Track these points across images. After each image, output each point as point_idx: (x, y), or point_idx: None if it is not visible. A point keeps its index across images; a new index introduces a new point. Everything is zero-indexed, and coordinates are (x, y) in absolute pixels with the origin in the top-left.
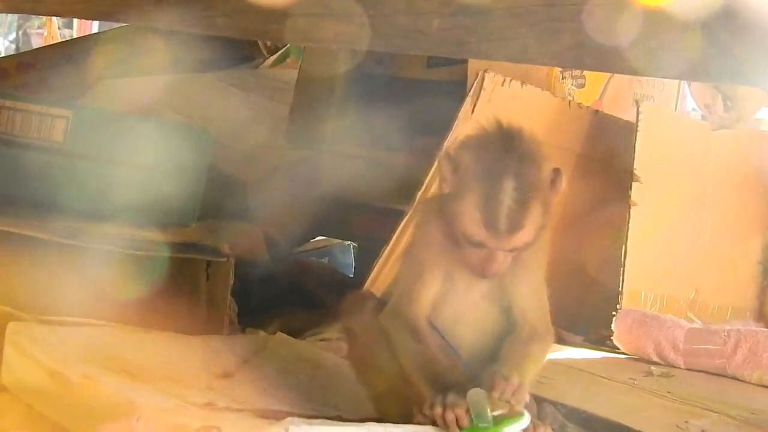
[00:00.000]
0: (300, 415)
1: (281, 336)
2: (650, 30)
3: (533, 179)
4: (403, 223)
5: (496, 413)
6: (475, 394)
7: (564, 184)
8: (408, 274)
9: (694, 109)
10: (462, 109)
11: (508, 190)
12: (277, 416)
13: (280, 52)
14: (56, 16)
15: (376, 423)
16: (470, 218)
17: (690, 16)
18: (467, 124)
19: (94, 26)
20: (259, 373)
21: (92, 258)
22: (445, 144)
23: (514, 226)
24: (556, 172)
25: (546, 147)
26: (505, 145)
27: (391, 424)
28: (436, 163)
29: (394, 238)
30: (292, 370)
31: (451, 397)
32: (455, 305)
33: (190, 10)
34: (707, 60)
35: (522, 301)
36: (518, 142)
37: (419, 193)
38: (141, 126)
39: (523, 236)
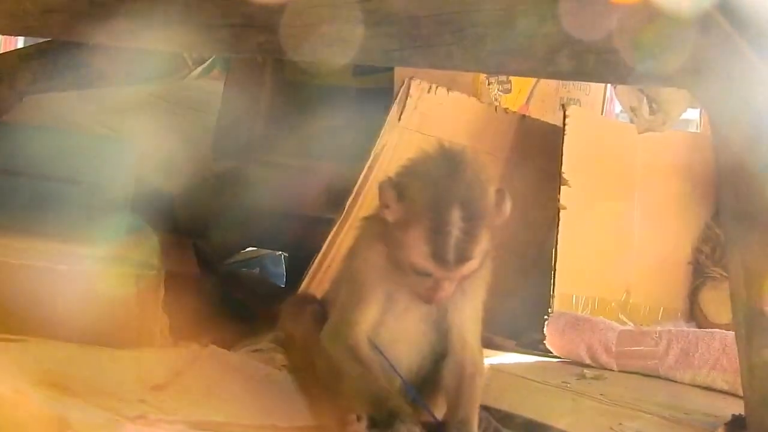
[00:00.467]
0: (235, 426)
1: (213, 348)
2: (576, 34)
3: (480, 206)
4: (333, 232)
5: None
6: None
7: (509, 206)
8: (349, 296)
9: (621, 112)
10: (389, 116)
11: (455, 221)
12: (211, 428)
13: (205, 64)
14: None
15: None
16: (418, 250)
17: (613, 20)
18: (394, 131)
19: (19, 41)
20: (192, 385)
21: (20, 273)
22: (372, 151)
23: (463, 258)
24: (501, 194)
25: (477, 153)
26: (450, 171)
27: None
28: (368, 180)
29: (325, 247)
30: (225, 382)
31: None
32: (394, 326)
33: (114, 24)
34: (632, 63)
35: (462, 328)
36: (463, 167)
37: (349, 203)
38: (67, 140)
39: (471, 266)
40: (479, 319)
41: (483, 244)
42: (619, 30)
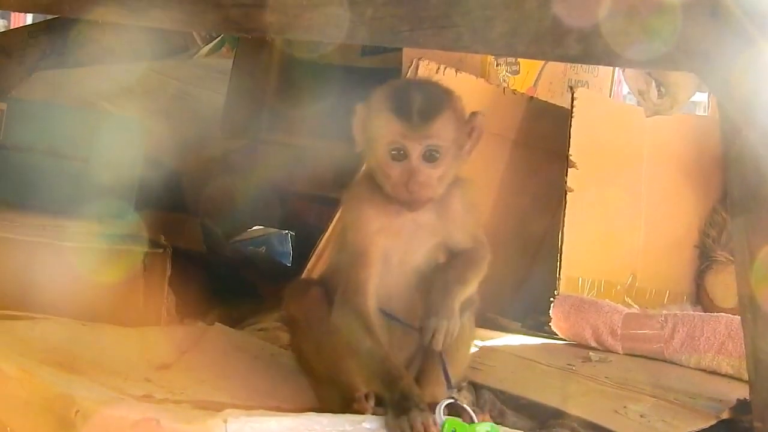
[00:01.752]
0: (238, 406)
1: (219, 326)
2: (584, 17)
3: (442, 94)
4: (339, 212)
5: None
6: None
7: (480, 122)
8: (349, 263)
9: (629, 94)
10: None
11: (417, 97)
12: (215, 408)
13: (214, 42)
14: None
15: (315, 413)
16: (385, 120)
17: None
18: None
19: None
20: (198, 363)
21: (27, 250)
22: None
23: (426, 115)
24: (474, 114)
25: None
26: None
27: (330, 414)
28: None
29: (332, 226)
30: (230, 361)
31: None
32: (390, 280)
33: (125, 3)
34: (640, 46)
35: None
36: (432, 83)
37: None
38: (77, 117)
39: (438, 128)
40: (480, 237)
41: (449, 123)
42: (628, 13)
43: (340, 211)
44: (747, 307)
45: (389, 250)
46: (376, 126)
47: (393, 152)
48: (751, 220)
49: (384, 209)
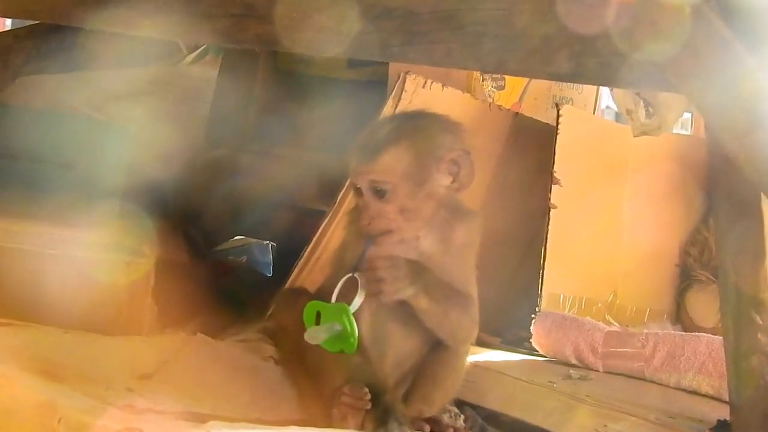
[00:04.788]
0: (220, 417)
1: (201, 336)
2: (575, 35)
3: (409, 128)
4: (324, 223)
5: None
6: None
7: (467, 161)
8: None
9: (608, 107)
10: (383, 111)
11: (382, 131)
12: (197, 419)
13: (199, 50)
14: None
15: (297, 426)
16: (351, 156)
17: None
18: None
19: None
20: (179, 374)
21: (10, 257)
22: None
23: (373, 151)
24: (464, 152)
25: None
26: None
27: (313, 428)
28: None
29: (316, 238)
30: (212, 371)
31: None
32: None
33: (113, 11)
34: (629, 66)
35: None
36: (421, 114)
37: (340, 195)
38: (60, 124)
39: (383, 164)
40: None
41: (407, 156)
42: (619, 34)
43: (328, 223)
44: (730, 328)
45: None
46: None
47: (355, 187)
48: (737, 240)
49: (374, 244)
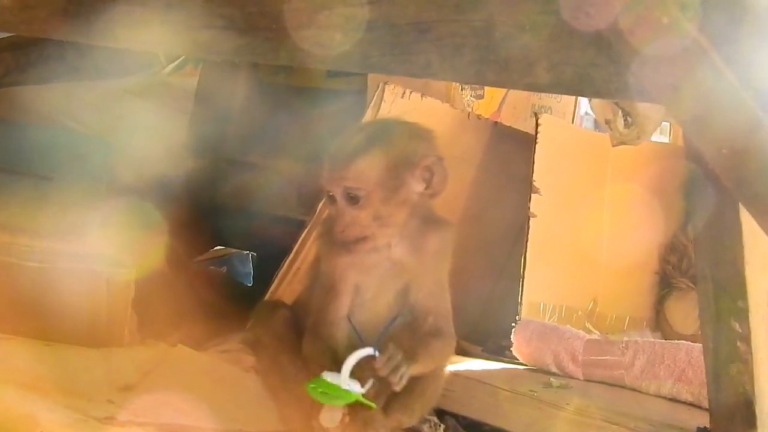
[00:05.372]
0: (202, 429)
1: (182, 348)
2: (553, 46)
3: (382, 135)
4: (304, 234)
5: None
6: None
7: (440, 168)
8: (321, 299)
9: (587, 113)
10: (362, 121)
11: (355, 139)
12: (180, 430)
13: (179, 60)
14: None
15: None
16: (324, 164)
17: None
18: None
19: None
20: (160, 385)
21: None
22: None
23: (346, 158)
24: (437, 159)
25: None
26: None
27: None
28: None
29: (296, 248)
30: (193, 383)
31: None
32: (363, 316)
33: (93, 23)
34: (608, 76)
35: (425, 306)
36: (392, 122)
37: (320, 205)
38: (39, 135)
39: (357, 171)
40: (444, 300)
41: (380, 163)
42: (597, 44)
43: (307, 233)
44: (709, 336)
45: (361, 286)
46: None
47: (328, 195)
48: (715, 250)
49: (347, 251)
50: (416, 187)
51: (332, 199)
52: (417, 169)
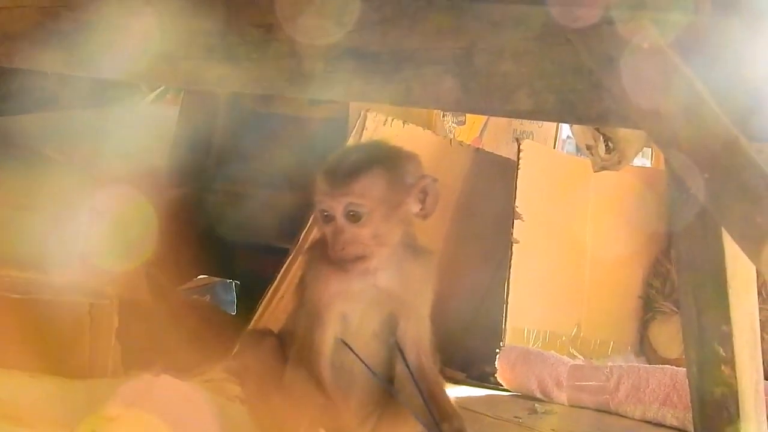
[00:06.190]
0: None
1: (166, 377)
2: (535, 72)
3: (379, 154)
4: (288, 262)
5: None
6: None
7: (434, 188)
8: (307, 326)
9: (568, 137)
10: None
11: (350, 157)
12: None
13: (160, 89)
14: None
15: None
16: (317, 183)
17: (570, 58)
18: None
19: None
20: (145, 416)
21: None
22: None
23: (348, 174)
24: (432, 180)
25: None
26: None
27: None
28: None
29: (279, 276)
30: (177, 413)
31: None
32: (344, 356)
33: (75, 54)
34: (589, 102)
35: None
36: (382, 143)
37: (303, 233)
38: (20, 165)
39: (360, 187)
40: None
41: (379, 182)
42: (577, 70)
43: (291, 261)
44: (693, 360)
45: (347, 314)
46: (314, 188)
47: (323, 214)
48: (697, 275)
49: (343, 271)
50: (413, 207)
51: (328, 218)
52: (415, 188)
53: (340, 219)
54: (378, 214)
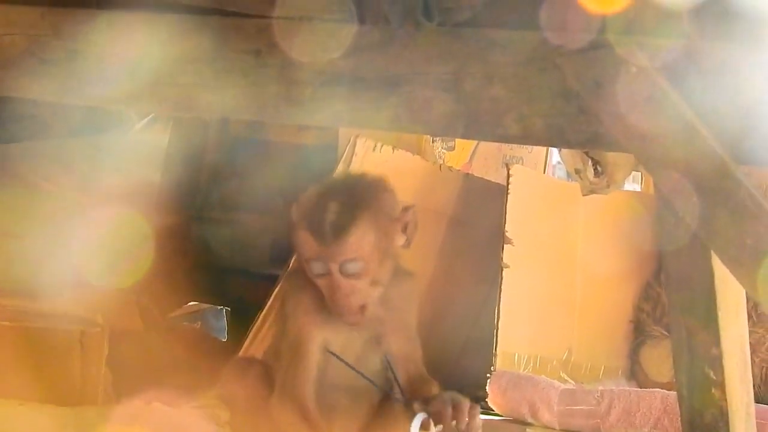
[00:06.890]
0: None
1: (157, 405)
2: (523, 97)
3: (361, 200)
4: (277, 289)
5: None
6: None
7: (414, 216)
8: (288, 353)
9: (559, 162)
10: (331, 177)
11: (332, 207)
12: None
13: (150, 116)
14: None
15: None
16: (303, 238)
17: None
18: None
19: None
20: None
21: None
22: None
23: (339, 231)
24: (408, 209)
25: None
26: (337, 182)
27: None
28: None
29: (269, 303)
30: None
31: None
32: (333, 372)
33: (64, 82)
34: (577, 127)
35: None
36: (357, 181)
37: (293, 260)
38: (11, 194)
39: (352, 243)
40: (416, 340)
41: (367, 230)
42: (565, 95)
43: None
44: (684, 384)
45: (330, 342)
46: (296, 241)
47: (315, 268)
48: (687, 298)
49: (324, 300)
50: (399, 240)
51: (323, 273)
52: (399, 223)
53: (336, 276)
54: (373, 264)
